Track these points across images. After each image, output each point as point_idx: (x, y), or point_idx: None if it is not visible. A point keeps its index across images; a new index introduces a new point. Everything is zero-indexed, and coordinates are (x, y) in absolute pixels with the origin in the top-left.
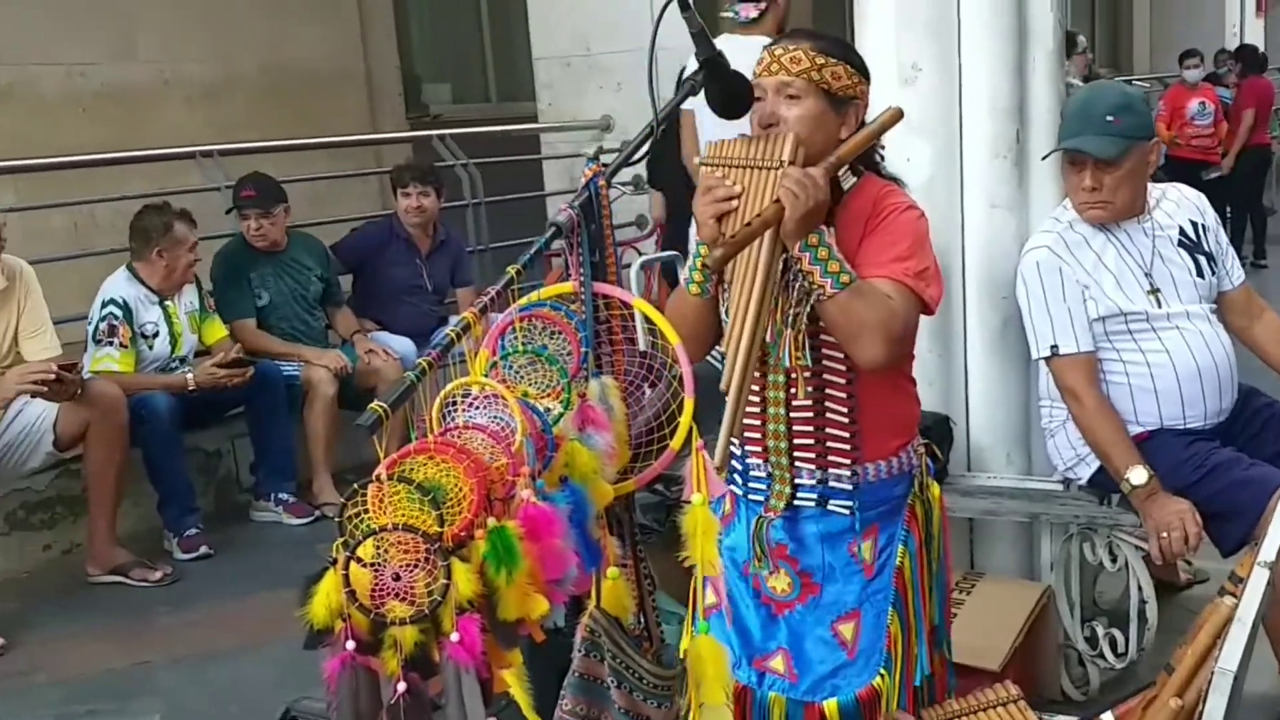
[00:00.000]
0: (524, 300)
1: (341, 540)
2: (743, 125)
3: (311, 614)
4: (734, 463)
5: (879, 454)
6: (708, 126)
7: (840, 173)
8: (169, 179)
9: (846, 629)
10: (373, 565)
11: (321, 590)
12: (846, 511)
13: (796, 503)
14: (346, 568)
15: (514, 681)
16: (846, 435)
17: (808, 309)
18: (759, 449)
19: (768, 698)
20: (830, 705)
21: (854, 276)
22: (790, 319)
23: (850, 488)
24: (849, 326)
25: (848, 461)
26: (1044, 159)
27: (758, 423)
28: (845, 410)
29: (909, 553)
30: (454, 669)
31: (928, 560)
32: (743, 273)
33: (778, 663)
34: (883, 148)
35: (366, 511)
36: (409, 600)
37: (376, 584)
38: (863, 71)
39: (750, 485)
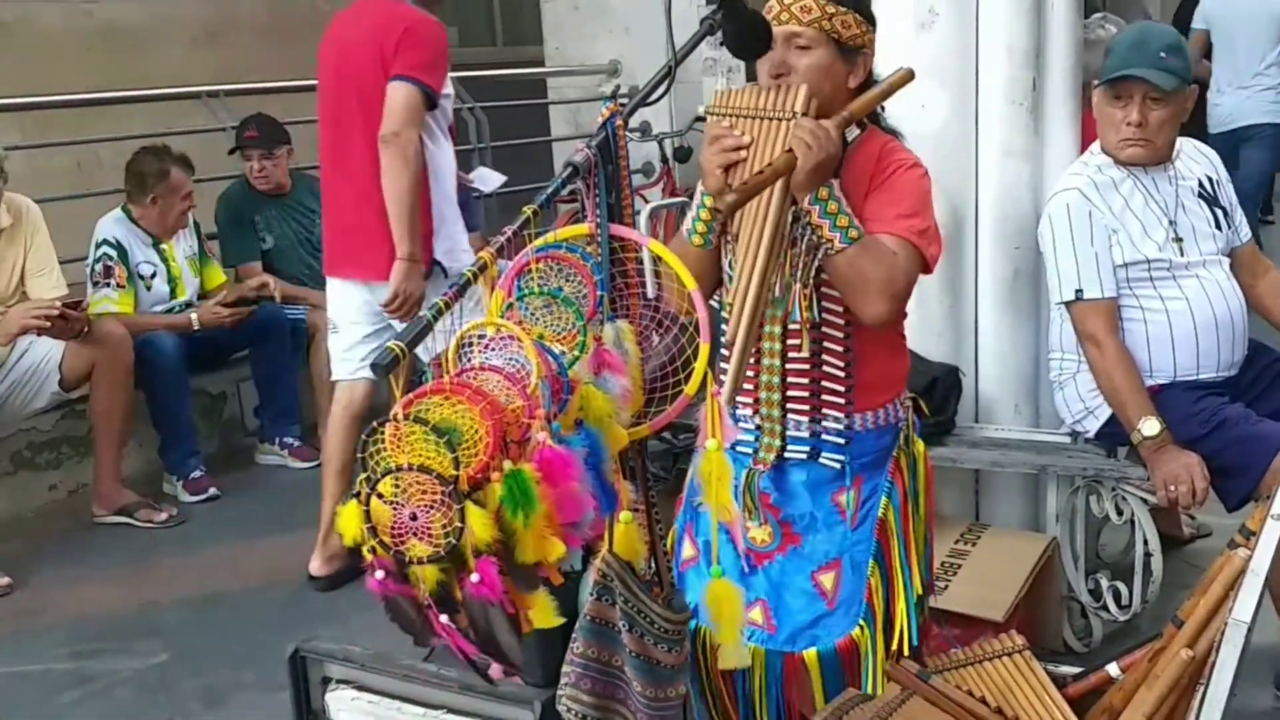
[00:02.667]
0: (539, 241)
1: (364, 476)
2: None
3: (341, 527)
4: None
5: (869, 406)
6: None
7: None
8: (172, 119)
9: (827, 579)
10: (392, 502)
11: (348, 511)
12: (838, 465)
13: (787, 455)
14: (368, 502)
15: (541, 615)
16: (841, 389)
17: (816, 263)
18: (750, 400)
19: (747, 649)
20: (810, 654)
21: (861, 231)
22: (800, 273)
23: (843, 441)
24: (855, 281)
25: (841, 415)
26: (1096, 86)
27: (750, 374)
28: (842, 365)
29: (892, 505)
30: (480, 606)
31: (913, 515)
32: (750, 224)
33: (756, 614)
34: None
35: (385, 449)
36: (427, 540)
37: (396, 521)
38: (871, 20)
39: (737, 437)
